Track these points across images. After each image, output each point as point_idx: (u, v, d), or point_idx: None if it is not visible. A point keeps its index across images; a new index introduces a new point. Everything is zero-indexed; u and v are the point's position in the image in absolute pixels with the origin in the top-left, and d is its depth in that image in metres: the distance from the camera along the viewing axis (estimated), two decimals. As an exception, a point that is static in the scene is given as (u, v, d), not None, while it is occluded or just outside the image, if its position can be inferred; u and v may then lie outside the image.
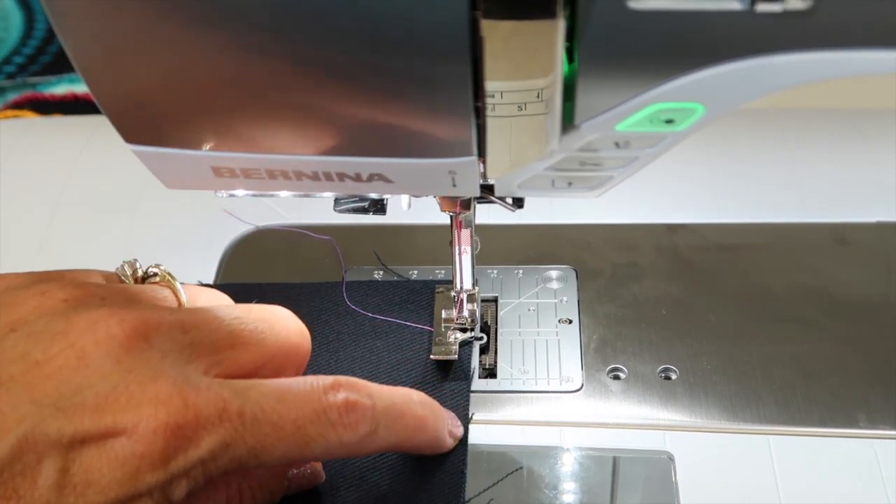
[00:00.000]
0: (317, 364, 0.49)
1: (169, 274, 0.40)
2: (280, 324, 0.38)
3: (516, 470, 0.44)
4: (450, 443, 0.44)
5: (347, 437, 0.36)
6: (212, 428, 0.33)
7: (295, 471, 0.41)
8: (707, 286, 0.53)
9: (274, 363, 0.38)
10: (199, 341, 0.35)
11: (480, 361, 0.50)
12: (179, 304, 0.38)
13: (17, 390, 0.32)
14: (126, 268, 0.40)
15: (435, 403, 0.43)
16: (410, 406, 0.40)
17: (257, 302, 0.42)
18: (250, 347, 0.37)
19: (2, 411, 0.31)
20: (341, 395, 0.36)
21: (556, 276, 0.54)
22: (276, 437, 0.34)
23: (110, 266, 0.56)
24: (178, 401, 0.33)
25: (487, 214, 0.53)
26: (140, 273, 0.40)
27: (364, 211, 0.43)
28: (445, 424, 0.43)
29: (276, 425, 0.34)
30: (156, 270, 0.40)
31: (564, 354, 0.50)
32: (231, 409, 0.34)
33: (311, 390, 0.36)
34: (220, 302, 0.40)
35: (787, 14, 0.28)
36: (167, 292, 0.39)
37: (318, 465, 0.42)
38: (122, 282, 0.39)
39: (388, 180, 0.35)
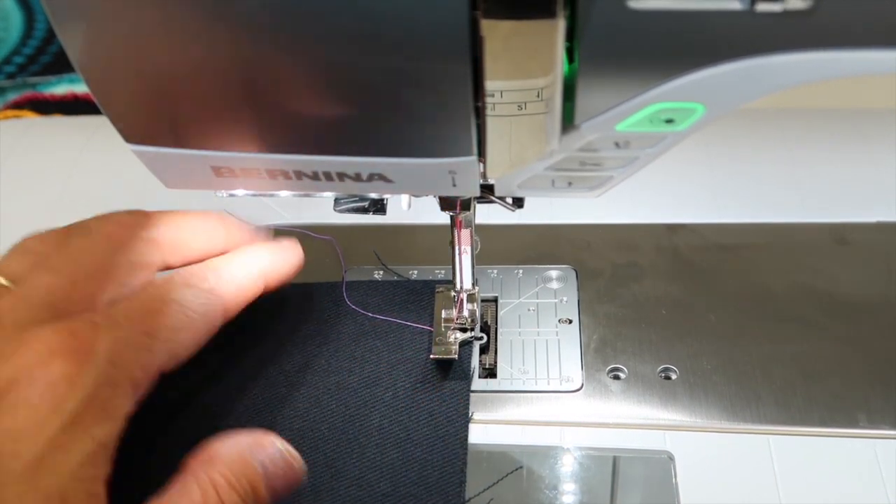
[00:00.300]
0: (317, 364, 0.49)
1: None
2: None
3: (516, 470, 0.44)
4: (293, 249, 0.47)
5: (206, 285, 0.40)
6: (95, 334, 0.34)
7: (265, 460, 0.38)
8: (707, 286, 0.53)
9: None
10: (33, 308, 0.36)
11: (480, 361, 0.50)
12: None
13: None
14: None
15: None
16: (242, 255, 0.45)
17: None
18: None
19: None
20: (183, 268, 0.41)
21: (556, 276, 0.54)
22: (152, 314, 0.37)
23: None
24: (50, 332, 0.33)
25: (487, 214, 0.53)
26: None
27: (364, 211, 0.43)
28: (284, 256, 0.47)
29: (145, 306, 0.37)
30: None
31: (564, 354, 0.50)
32: (98, 318, 0.35)
33: (159, 279, 0.40)
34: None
35: (787, 14, 0.28)
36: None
37: (292, 456, 0.39)
38: None
39: (388, 180, 0.35)
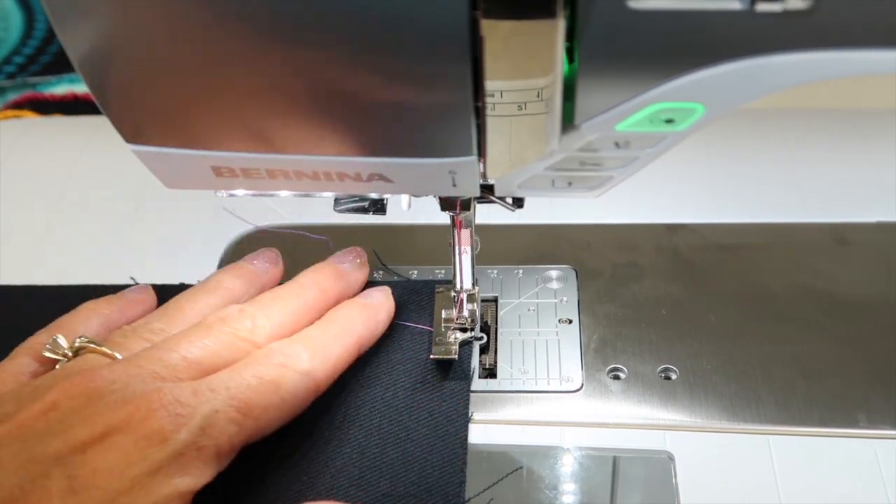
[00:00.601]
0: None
1: (93, 342, 0.42)
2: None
3: (516, 470, 0.44)
4: (384, 310, 0.49)
5: (300, 366, 0.42)
6: (194, 402, 0.38)
7: None
8: (707, 286, 0.53)
9: None
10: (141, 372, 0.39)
11: (480, 361, 0.50)
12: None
13: (7, 441, 0.36)
14: (58, 343, 0.43)
15: (351, 300, 0.49)
16: (334, 319, 0.46)
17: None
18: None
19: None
20: (276, 349, 0.43)
21: (556, 276, 0.54)
22: (249, 391, 0.40)
23: (110, 265, 0.56)
24: (155, 394, 0.37)
25: (487, 214, 0.53)
26: (68, 350, 0.43)
27: (364, 211, 0.43)
28: (368, 304, 0.48)
29: (243, 383, 0.40)
30: (83, 343, 0.42)
31: (564, 354, 0.50)
32: (200, 387, 0.38)
33: (252, 357, 0.42)
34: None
35: (787, 14, 0.28)
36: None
37: None
38: (54, 360, 0.43)
39: (388, 180, 0.35)
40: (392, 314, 0.49)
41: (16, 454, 0.35)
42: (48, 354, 0.42)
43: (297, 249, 0.57)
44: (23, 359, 0.43)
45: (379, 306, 0.48)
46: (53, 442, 0.35)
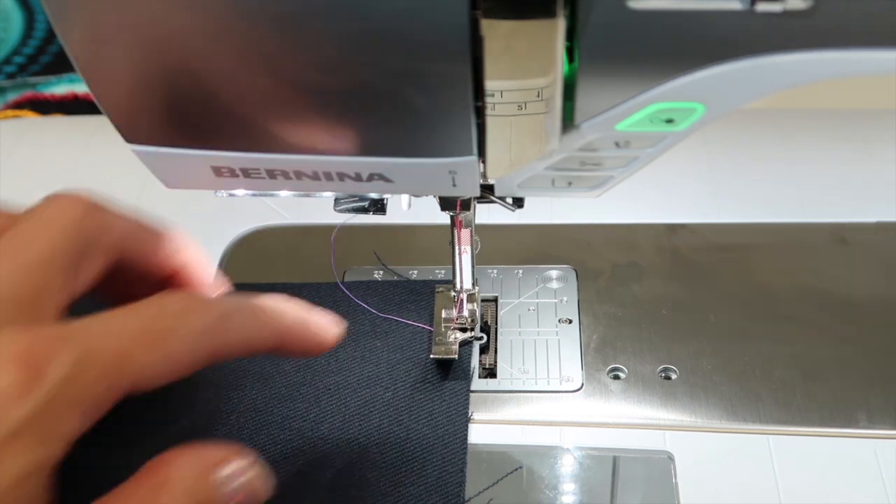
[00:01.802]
0: (316, 363, 0.49)
1: None
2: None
3: (516, 470, 0.44)
4: (330, 328, 0.40)
5: (198, 322, 0.35)
6: (60, 347, 0.31)
7: (225, 479, 0.34)
8: (707, 286, 0.53)
9: None
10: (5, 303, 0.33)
11: (480, 361, 0.50)
12: None
13: None
14: None
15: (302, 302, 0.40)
16: (265, 298, 0.38)
17: None
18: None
19: None
20: (177, 294, 0.35)
21: (556, 276, 0.54)
22: (130, 338, 0.32)
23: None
24: (14, 338, 0.31)
25: (487, 214, 0.53)
26: None
27: (364, 211, 0.43)
28: (312, 313, 0.40)
29: (124, 328, 0.33)
30: None
31: (564, 354, 0.50)
32: (72, 330, 0.32)
33: (151, 298, 0.35)
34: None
35: (787, 14, 0.28)
36: None
37: (257, 477, 0.36)
38: None
39: (388, 180, 0.35)
40: (327, 342, 0.40)
41: None
42: None
43: (298, 249, 0.57)
44: None
45: (321, 322, 0.40)
46: None
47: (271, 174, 0.35)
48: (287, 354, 0.39)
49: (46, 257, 0.35)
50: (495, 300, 0.53)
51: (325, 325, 0.40)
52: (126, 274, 0.39)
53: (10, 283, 0.33)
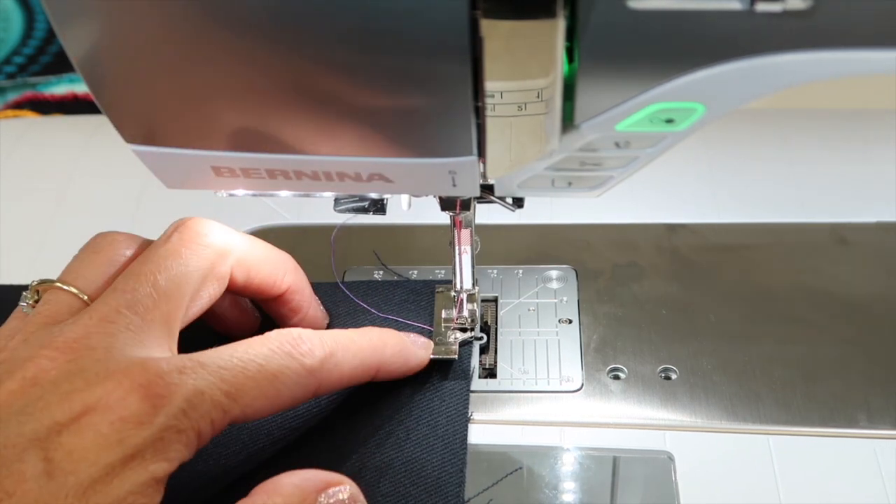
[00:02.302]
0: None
1: (49, 280, 0.40)
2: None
3: (516, 470, 0.44)
4: (422, 354, 0.46)
5: (308, 362, 0.39)
6: (179, 380, 0.35)
7: (327, 496, 0.39)
8: (707, 286, 0.53)
9: None
10: (134, 328, 0.37)
11: (480, 361, 0.50)
12: (87, 304, 0.39)
13: None
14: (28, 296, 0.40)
15: (390, 329, 0.46)
16: (362, 332, 0.43)
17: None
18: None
19: None
20: (288, 334, 0.39)
21: (556, 276, 0.54)
22: (243, 376, 0.36)
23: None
24: (138, 368, 0.35)
25: (487, 214, 0.53)
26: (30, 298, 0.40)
27: (364, 211, 0.43)
28: (406, 338, 0.46)
29: (239, 367, 0.37)
30: (41, 285, 0.40)
31: (564, 354, 0.50)
32: (190, 363, 0.36)
33: (261, 338, 0.39)
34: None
35: (787, 14, 0.28)
36: (64, 298, 0.39)
37: (351, 488, 0.39)
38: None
39: (388, 180, 0.35)
40: (421, 367, 0.47)
41: None
42: (24, 309, 0.40)
43: (298, 249, 0.57)
44: (12, 322, 0.40)
45: (415, 352, 0.46)
46: (29, 422, 0.33)
47: (271, 174, 0.35)
48: (382, 380, 0.45)
49: (176, 284, 0.39)
50: (495, 300, 0.53)
51: (418, 352, 0.46)
52: (234, 290, 0.44)
53: (149, 307, 0.38)
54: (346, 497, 0.37)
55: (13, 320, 0.40)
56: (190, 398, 0.35)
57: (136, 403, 0.34)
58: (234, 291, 0.44)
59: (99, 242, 0.42)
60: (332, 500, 0.37)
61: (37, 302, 0.39)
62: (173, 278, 0.39)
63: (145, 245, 0.42)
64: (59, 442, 0.33)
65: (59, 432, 0.33)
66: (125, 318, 0.37)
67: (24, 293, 0.40)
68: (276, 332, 0.39)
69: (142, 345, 0.37)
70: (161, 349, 0.37)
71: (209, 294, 0.41)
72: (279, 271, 0.45)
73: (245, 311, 0.48)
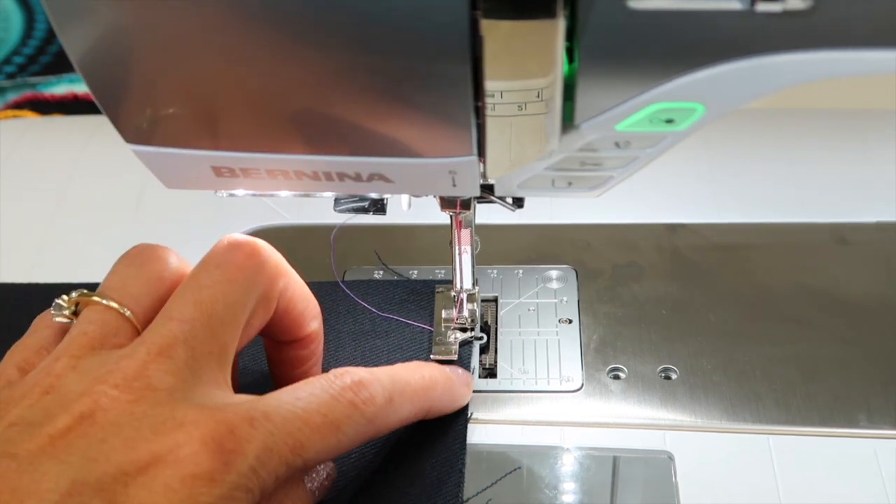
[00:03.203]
0: (317, 364, 0.49)
1: (88, 293, 0.37)
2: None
3: (515, 470, 0.44)
4: (466, 391, 0.45)
5: (370, 410, 0.37)
6: (249, 435, 0.33)
7: (310, 478, 0.39)
8: (707, 286, 0.53)
9: None
10: (193, 364, 0.35)
11: (480, 361, 0.50)
12: (133, 325, 0.37)
13: (42, 460, 0.31)
14: (63, 303, 0.37)
15: (434, 364, 0.45)
16: (412, 371, 0.42)
17: None
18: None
19: (33, 481, 0.30)
20: (348, 378, 0.37)
21: (556, 276, 0.54)
22: (308, 429, 0.35)
23: (110, 265, 0.56)
24: (206, 419, 0.33)
25: (487, 214, 0.53)
26: (66, 309, 0.37)
27: (364, 211, 0.43)
28: (452, 376, 0.45)
29: (303, 419, 0.35)
30: (80, 297, 0.37)
31: (564, 354, 0.50)
32: (257, 415, 0.34)
33: (321, 383, 0.37)
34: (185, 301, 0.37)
35: (787, 14, 0.28)
36: (111, 318, 0.36)
37: (329, 463, 0.40)
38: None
39: (388, 180, 0.35)
40: (462, 405, 0.45)
41: (56, 478, 0.30)
42: (57, 319, 0.37)
43: (298, 249, 0.57)
44: (43, 332, 0.37)
45: (461, 392, 0.45)
46: (95, 467, 0.31)
47: (271, 174, 0.35)
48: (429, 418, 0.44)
49: (233, 312, 0.37)
50: (495, 300, 0.53)
51: (462, 390, 0.45)
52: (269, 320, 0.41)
53: (207, 340, 0.36)
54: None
55: (44, 329, 0.37)
56: (260, 456, 0.33)
57: (209, 460, 0.32)
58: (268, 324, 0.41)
59: (141, 254, 0.39)
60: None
61: (74, 314, 0.37)
62: (230, 306, 0.37)
63: (188, 265, 0.39)
64: (126, 494, 0.31)
65: (125, 483, 0.31)
66: (183, 353, 0.35)
67: (57, 300, 0.37)
68: (333, 373, 0.38)
69: (202, 383, 0.35)
70: (220, 387, 0.36)
71: (259, 322, 0.39)
72: (311, 312, 0.43)
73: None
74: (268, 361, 0.45)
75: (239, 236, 0.39)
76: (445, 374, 0.44)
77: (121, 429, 0.32)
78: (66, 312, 0.37)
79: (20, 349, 0.37)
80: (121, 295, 0.37)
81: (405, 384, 0.40)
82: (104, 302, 0.36)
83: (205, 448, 0.32)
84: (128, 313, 0.36)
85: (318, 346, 0.44)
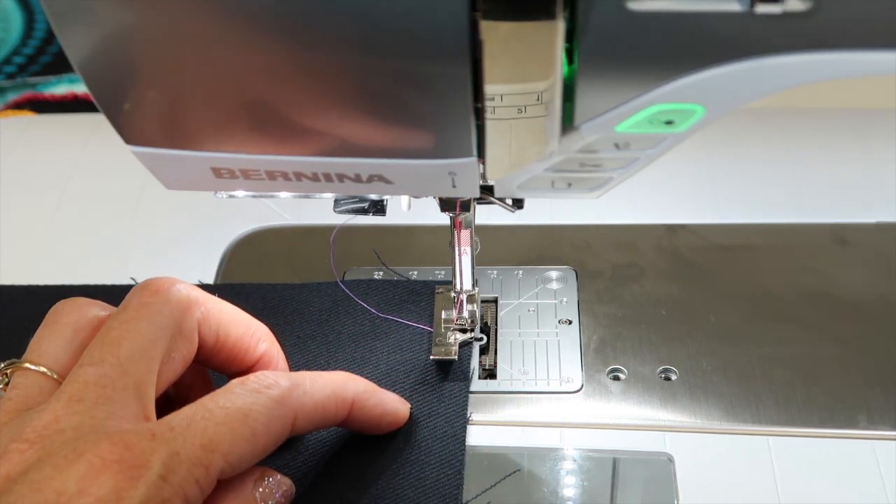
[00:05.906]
0: (316, 364, 0.49)
1: (16, 361, 0.38)
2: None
3: (515, 472, 0.44)
4: (401, 407, 0.45)
5: (274, 392, 0.37)
6: (150, 447, 0.33)
7: (260, 489, 0.39)
8: (707, 286, 0.53)
9: None
10: (105, 402, 0.35)
11: (480, 362, 0.50)
12: (56, 382, 0.37)
13: None
14: None
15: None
16: (333, 374, 0.42)
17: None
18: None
19: None
20: (250, 375, 0.38)
21: (556, 277, 0.54)
22: (214, 424, 0.35)
23: (110, 265, 0.56)
24: (105, 443, 0.33)
25: (487, 215, 0.53)
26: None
27: (364, 212, 0.43)
28: (383, 393, 0.44)
29: (207, 417, 0.35)
30: (8, 367, 0.38)
31: (564, 355, 0.50)
32: (160, 429, 0.34)
33: (224, 386, 0.38)
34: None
35: (786, 15, 0.28)
36: (33, 380, 0.37)
37: (286, 479, 0.40)
38: None
39: (387, 181, 0.35)
40: (399, 422, 0.45)
41: None
42: None
43: (298, 249, 0.57)
44: None
45: (390, 397, 0.45)
46: None
47: (271, 175, 0.35)
48: (360, 424, 0.43)
49: (143, 348, 0.37)
50: (495, 301, 0.53)
51: (391, 398, 0.44)
52: (206, 353, 0.41)
53: (117, 377, 0.36)
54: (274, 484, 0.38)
55: None
56: (166, 462, 0.33)
57: (111, 481, 0.32)
58: (206, 357, 0.41)
59: (60, 311, 0.40)
60: (264, 491, 0.38)
61: (6, 385, 0.38)
62: (139, 342, 0.37)
63: (109, 311, 0.40)
64: None
65: None
66: (94, 394, 0.35)
67: None
68: (236, 378, 0.38)
69: (114, 417, 0.35)
70: (135, 419, 0.36)
71: (181, 355, 0.39)
72: (252, 336, 0.42)
73: (212, 387, 0.44)
74: None
75: (151, 279, 0.40)
76: (366, 381, 0.43)
77: (27, 476, 0.32)
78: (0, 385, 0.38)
79: None
80: (39, 356, 0.38)
81: (316, 374, 0.41)
82: (25, 365, 0.38)
83: (106, 471, 0.32)
84: (48, 372, 0.38)
85: (279, 367, 0.44)
